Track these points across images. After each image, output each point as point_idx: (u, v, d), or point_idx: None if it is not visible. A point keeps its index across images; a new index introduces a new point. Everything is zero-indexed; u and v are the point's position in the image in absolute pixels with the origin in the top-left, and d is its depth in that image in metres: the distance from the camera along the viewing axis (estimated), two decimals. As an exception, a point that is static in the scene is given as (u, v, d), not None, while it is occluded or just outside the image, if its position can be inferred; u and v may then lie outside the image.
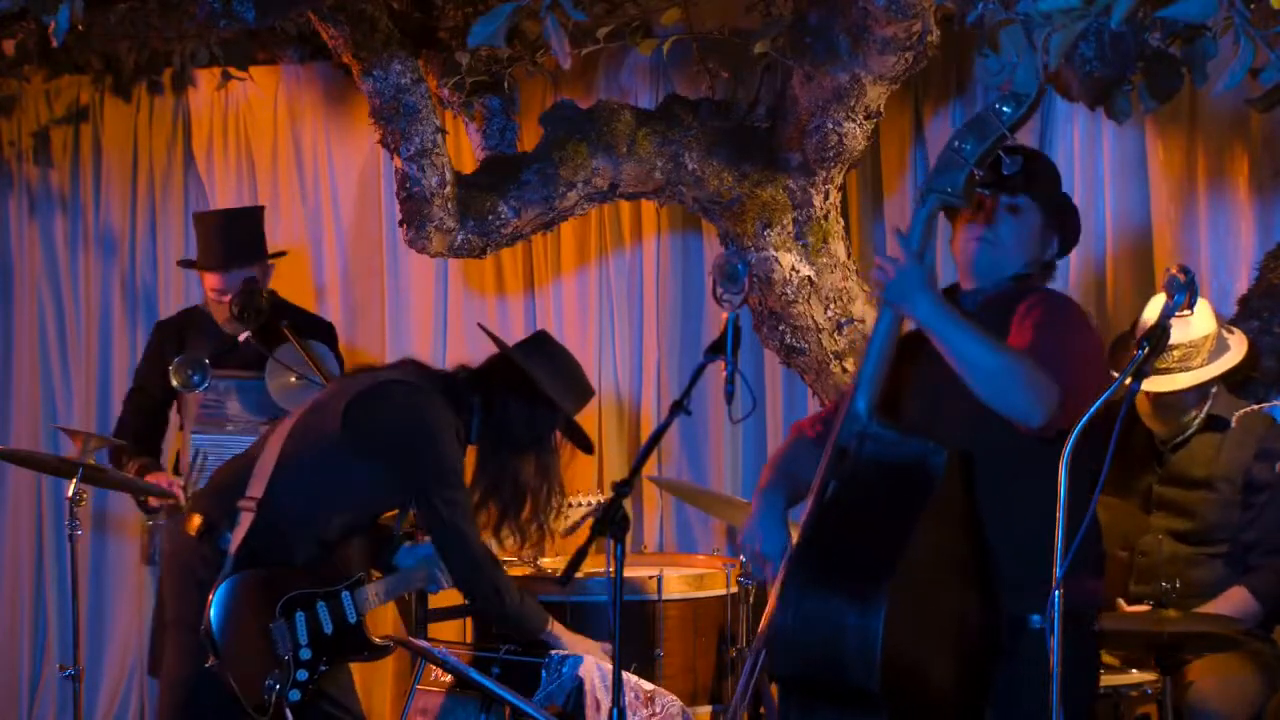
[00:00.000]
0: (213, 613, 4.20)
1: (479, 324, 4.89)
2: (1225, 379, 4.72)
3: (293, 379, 5.10)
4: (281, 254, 5.62)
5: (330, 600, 4.30)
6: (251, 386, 5.25)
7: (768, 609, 3.56)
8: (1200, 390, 4.65)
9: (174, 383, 5.10)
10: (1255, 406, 4.70)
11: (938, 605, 3.40)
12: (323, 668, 4.29)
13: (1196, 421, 4.69)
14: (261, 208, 5.65)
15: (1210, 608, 4.53)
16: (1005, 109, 3.42)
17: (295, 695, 4.26)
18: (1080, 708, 3.56)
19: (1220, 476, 4.65)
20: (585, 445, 4.55)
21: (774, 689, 3.95)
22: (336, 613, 4.30)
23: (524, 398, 4.40)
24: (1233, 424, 4.60)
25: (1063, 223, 3.75)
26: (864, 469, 3.46)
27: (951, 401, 3.50)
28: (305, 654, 4.27)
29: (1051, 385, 3.36)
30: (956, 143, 3.47)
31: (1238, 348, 4.71)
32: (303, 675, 4.26)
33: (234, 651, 4.22)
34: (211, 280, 5.34)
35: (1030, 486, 3.42)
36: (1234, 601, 4.55)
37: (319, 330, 5.44)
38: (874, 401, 3.51)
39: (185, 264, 5.57)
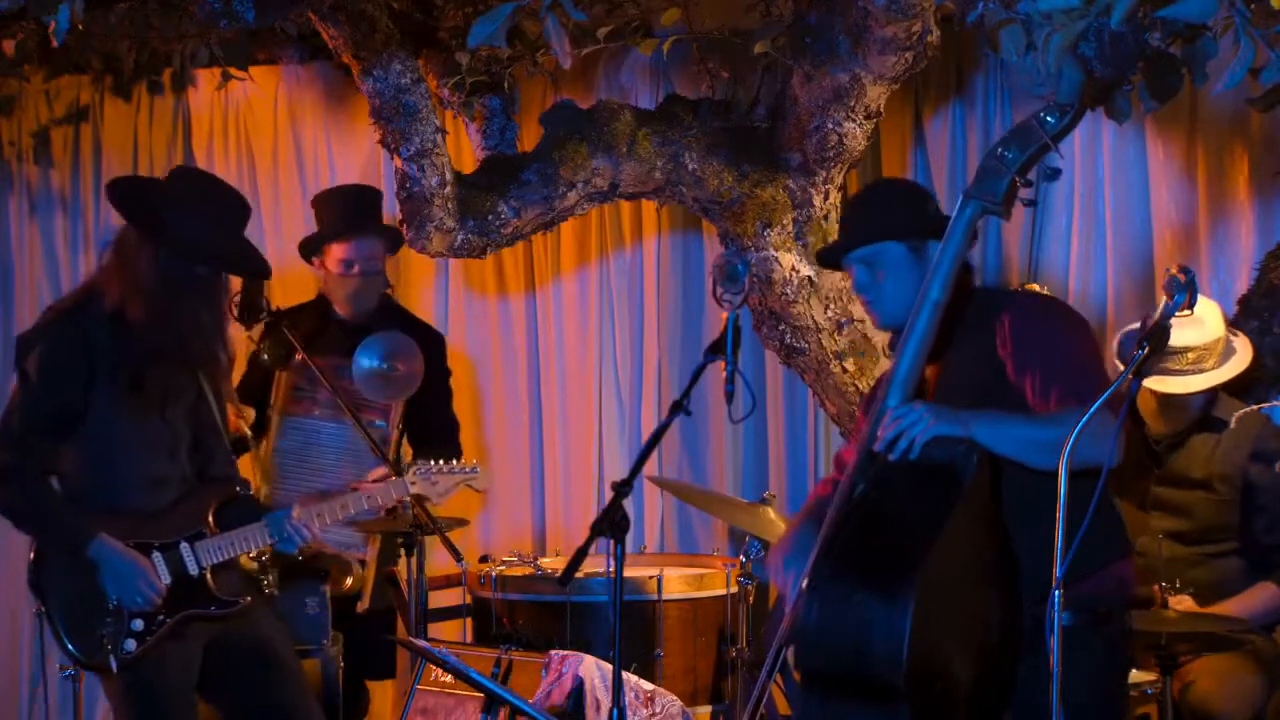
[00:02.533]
0: (37, 564, 4.23)
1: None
2: (1228, 386, 4.75)
3: (380, 365, 5.07)
4: (391, 229, 5.52)
5: (167, 551, 4.29)
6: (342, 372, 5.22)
7: (787, 616, 3.56)
8: (1209, 392, 4.67)
9: (264, 357, 5.12)
10: (1255, 406, 4.71)
11: (961, 603, 3.41)
12: (162, 618, 4.26)
13: (1194, 422, 4.70)
14: (379, 192, 5.62)
15: (1237, 602, 4.55)
16: (1050, 119, 3.42)
17: (130, 645, 4.23)
18: (1112, 705, 3.56)
19: (1217, 476, 4.67)
20: (255, 271, 4.49)
21: (774, 689, 3.95)
22: (174, 563, 4.29)
23: (159, 252, 4.25)
24: (1232, 424, 4.62)
25: (914, 224, 3.69)
26: (895, 468, 3.46)
27: (971, 404, 3.51)
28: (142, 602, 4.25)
29: (1106, 420, 3.31)
30: (1000, 150, 3.47)
31: (1244, 351, 4.74)
32: (138, 625, 4.24)
33: (64, 602, 4.22)
34: (343, 252, 5.28)
35: (1052, 488, 3.42)
36: (1263, 598, 4.58)
37: (425, 336, 5.39)
38: (907, 400, 3.52)
39: (310, 242, 5.41)
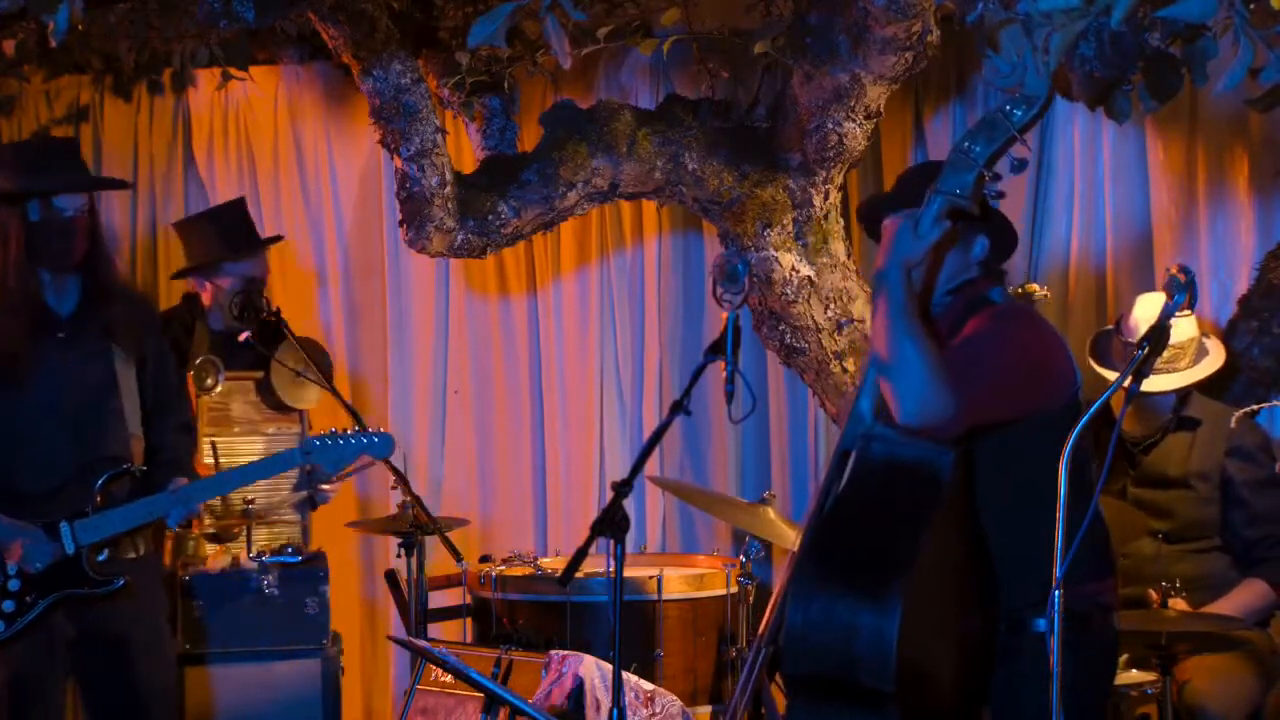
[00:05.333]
0: None
1: None
2: (1201, 385, 4.79)
3: (294, 378, 5.12)
4: (279, 238, 5.68)
5: (48, 530, 4.26)
6: (252, 387, 5.26)
7: (768, 609, 3.56)
8: (1182, 392, 4.70)
9: (194, 386, 5.07)
10: (1255, 406, 4.75)
11: (939, 604, 3.40)
12: (32, 598, 4.23)
13: (1170, 422, 4.74)
14: (242, 199, 5.66)
15: (1229, 600, 4.58)
16: (1016, 111, 3.39)
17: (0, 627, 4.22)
18: (1089, 712, 3.56)
19: (1195, 474, 4.72)
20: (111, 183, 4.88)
21: (774, 689, 3.95)
22: (54, 543, 4.25)
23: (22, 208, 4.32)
24: (1232, 424, 4.65)
25: (974, 224, 3.58)
26: (871, 470, 3.45)
27: None
28: (14, 585, 4.24)
29: (947, 398, 3.30)
30: (966, 144, 3.43)
31: (1216, 352, 4.83)
32: (9, 606, 4.23)
33: None
34: (242, 268, 5.32)
35: (1026, 488, 3.42)
36: (1254, 594, 4.61)
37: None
38: (878, 403, 3.51)
39: (184, 273, 5.49)
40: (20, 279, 4.29)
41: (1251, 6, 2.90)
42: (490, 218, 5.03)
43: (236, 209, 5.51)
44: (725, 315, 3.52)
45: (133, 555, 4.42)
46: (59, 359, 4.36)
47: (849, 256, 5.20)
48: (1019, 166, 3.49)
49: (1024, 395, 3.47)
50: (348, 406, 5.00)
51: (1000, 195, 3.52)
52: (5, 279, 4.28)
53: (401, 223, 5.02)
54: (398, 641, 4.54)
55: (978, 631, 3.46)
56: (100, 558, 4.31)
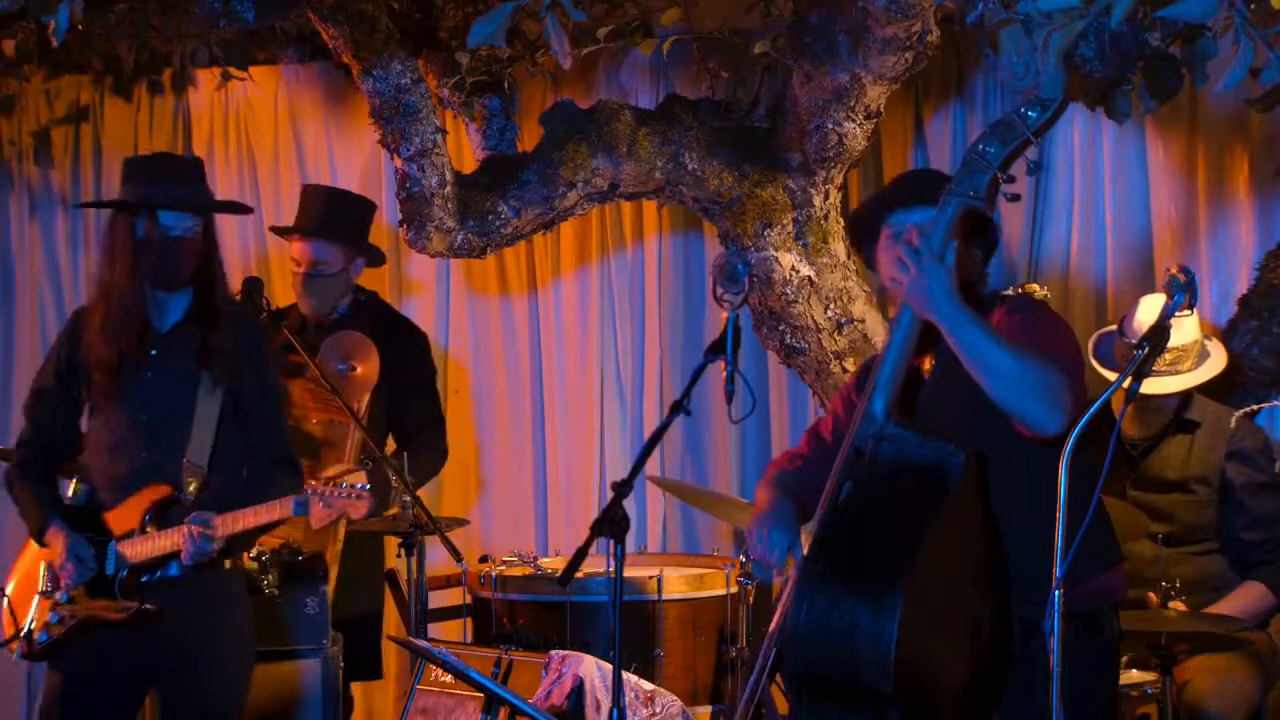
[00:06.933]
0: None
1: None
2: (1204, 387, 4.78)
3: (340, 366, 5.09)
4: (381, 257, 5.61)
5: (96, 548, 4.25)
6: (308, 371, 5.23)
7: (778, 612, 3.56)
8: (1185, 394, 4.70)
9: None
10: (1255, 406, 4.74)
11: (950, 607, 3.39)
12: (70, 614, 4.24)
13: (1169, 425, 4.74)
14: (374, 204, 5.63)
15: (1228, 603, 4.57)
16: (1031, 113, 3.39)
17: (44, 636, 4.25)
18: (1103, 711, 3.56)
19: (1194, 477, 4.71)
20: (232, 209, 4.64)
21: (774, 690, 3.95)
22: (99, 561, 4.25)
23: (135, 221, 4.28)
24: (1232, 424, 4.65)
25: (974, 227, 3.61)
26: (881, 470, 3.45)
27: (960, 402, 3.50)
28: (64, 597, 4.24)
29: (1065, 389, 3.34)
30: (980, 146, 3.43)
31: (1218, 355, 4.80)
32: (54, 618, 4.24)
33: (20, 582, 4.35)
34: (295, 250, 5.36)
35: (1038, 488, 3.42)
36: (1253, 596, 4.61)
37: (404, 335, 5.43)
38: (891, 403, 3.51)
39: (277, 230, 5.55)
40: (123, 294, 4.24)
41: (1252, 6, 2.90)
42: (490, 218, 5.03)
43: (345, 200, 5.51)
44: (725, 315, 3.52)
45: (175, 574, 4.31)
46: (148, 373, 4.30)
47: (849, 256, 5.20)
48: (1033, 168, 3.49)
49: (1084, 371, 3.54)
50: (363, 427, 4.98)
51: (1015, 197, 3.53)
52: (110, 292, 4.25)
53: (401, 223, 5.02)
54: (398, 641, 4.54)
55: (991, 634, 3.46)
56: (144, 579, 4.27)
